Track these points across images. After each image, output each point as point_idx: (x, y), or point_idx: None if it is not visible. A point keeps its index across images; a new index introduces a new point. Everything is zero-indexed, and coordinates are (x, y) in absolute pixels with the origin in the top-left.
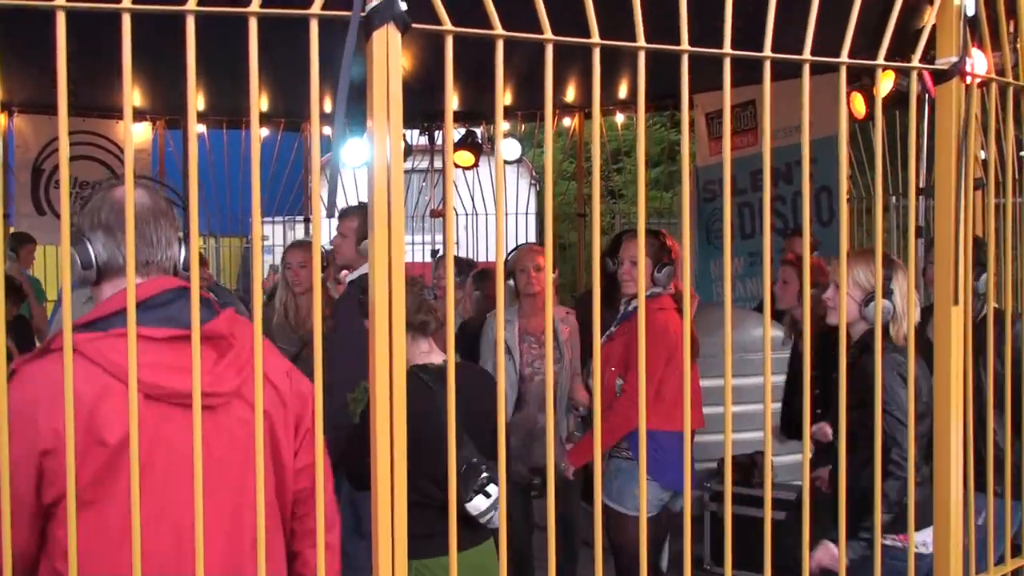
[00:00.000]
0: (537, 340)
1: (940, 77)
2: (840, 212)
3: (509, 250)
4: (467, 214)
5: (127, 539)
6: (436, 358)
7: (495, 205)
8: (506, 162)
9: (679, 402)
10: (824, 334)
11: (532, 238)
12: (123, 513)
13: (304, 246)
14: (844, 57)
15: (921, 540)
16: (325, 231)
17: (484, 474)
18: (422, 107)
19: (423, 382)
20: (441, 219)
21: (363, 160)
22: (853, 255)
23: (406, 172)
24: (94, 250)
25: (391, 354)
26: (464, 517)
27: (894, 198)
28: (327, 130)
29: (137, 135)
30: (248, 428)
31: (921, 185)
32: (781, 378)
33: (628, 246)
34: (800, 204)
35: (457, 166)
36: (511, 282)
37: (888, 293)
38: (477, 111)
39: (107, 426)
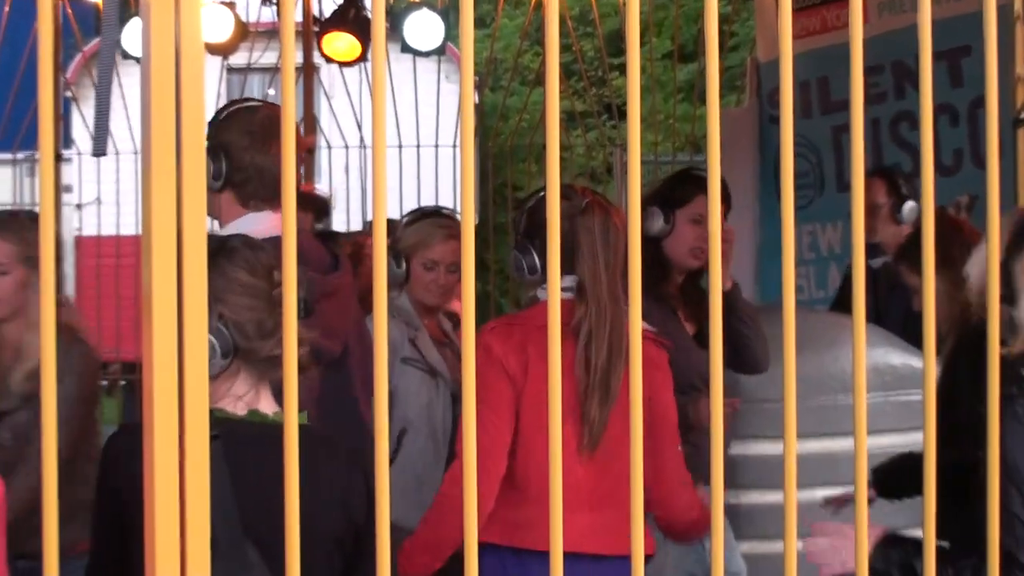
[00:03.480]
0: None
1: None
2: (989, 145)
3: (405, 216)
4: (347, 146)
5: None
6: (258, 405)
7: (373, 138)
8: (418, 53)
9: (569, 500)
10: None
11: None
12: None
13: (5, 227)
14: None
15: None
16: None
17: None
18: None
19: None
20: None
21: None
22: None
23: (242, 69)
24: None
25: (181, 388)
26: None
27: None
28: None
29: None
30: None
31: None
32: (897, 438)
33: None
34: (942, 128)
35: (330, 60)
36: (400, 270)
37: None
38: None
39: None
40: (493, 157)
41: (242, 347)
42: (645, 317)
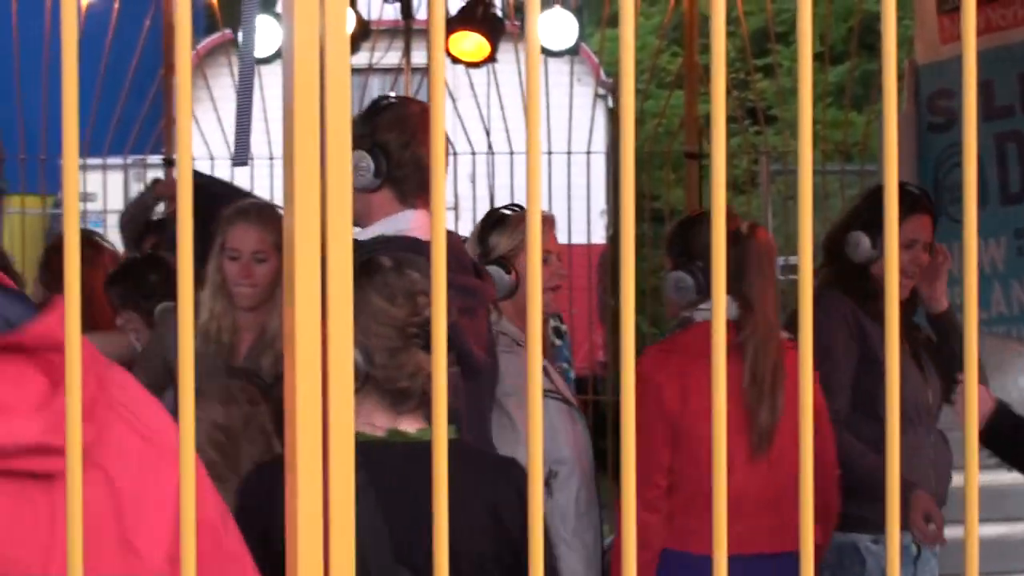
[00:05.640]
0: None
1: None
2: None
3: (483, 221)
4: (474, 153)
5: None
6: (405, 424)
7: (527, 137)
8: (549, 53)
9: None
10: None
11: (600, 195)
12: None
13: (263, 216)
14: None
15: None
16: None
17: None
18: None
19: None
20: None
21: (274, 48)
22: None
23: (363, 70)
24: None
25: (326, 403)
26: None
27: None
28: None
29: None
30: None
31: None
32: None
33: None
34: None
35: (456, 60)
36: (510, 276)
37: None
38: None
39: None
40: None
41: (371, 373)
42: (869, 341)
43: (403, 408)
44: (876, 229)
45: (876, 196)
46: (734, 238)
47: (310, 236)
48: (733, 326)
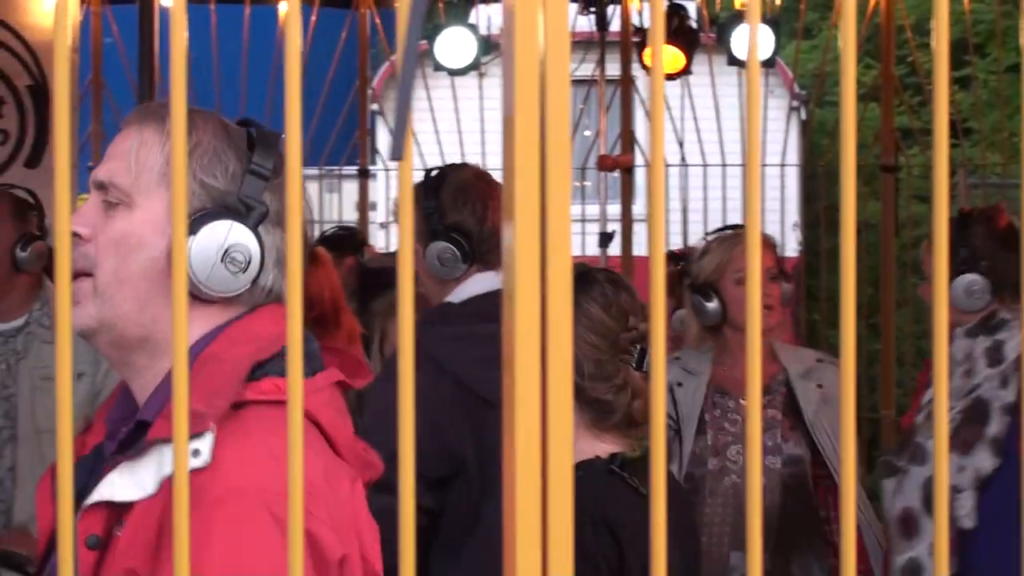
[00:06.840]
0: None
1: None
2: None
3: (708, 237)
4: (667, 165)
5: None
6: (606, 446)
7: (747, 148)
8: (744, 66)
9: None
10: None
11: (793, 209)
12: None
13: None
14: None
15: None
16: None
17: None
18: None
19: (630, 487)
20: (619, 174)
21: (468, 60)
22: None
23: None
24: None
25: (544, 428)
26: None
27: None
28: None
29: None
30: None
31: None
32: None
33: None
34: None
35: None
36: (712, 303)
37: None
38: None
39: None
40: (822, 177)
41: (576, 382)
42: None
43: (604, 425)
44: None
45: None
46: (1015, 237)
47: (530, 250)
48: None
